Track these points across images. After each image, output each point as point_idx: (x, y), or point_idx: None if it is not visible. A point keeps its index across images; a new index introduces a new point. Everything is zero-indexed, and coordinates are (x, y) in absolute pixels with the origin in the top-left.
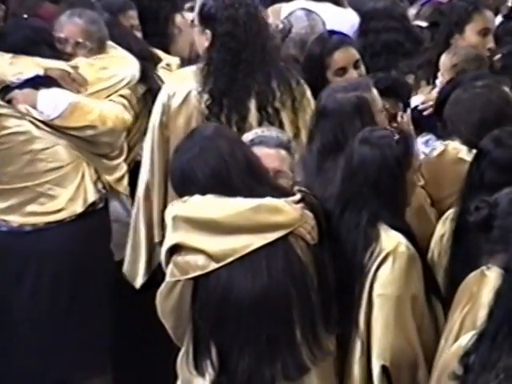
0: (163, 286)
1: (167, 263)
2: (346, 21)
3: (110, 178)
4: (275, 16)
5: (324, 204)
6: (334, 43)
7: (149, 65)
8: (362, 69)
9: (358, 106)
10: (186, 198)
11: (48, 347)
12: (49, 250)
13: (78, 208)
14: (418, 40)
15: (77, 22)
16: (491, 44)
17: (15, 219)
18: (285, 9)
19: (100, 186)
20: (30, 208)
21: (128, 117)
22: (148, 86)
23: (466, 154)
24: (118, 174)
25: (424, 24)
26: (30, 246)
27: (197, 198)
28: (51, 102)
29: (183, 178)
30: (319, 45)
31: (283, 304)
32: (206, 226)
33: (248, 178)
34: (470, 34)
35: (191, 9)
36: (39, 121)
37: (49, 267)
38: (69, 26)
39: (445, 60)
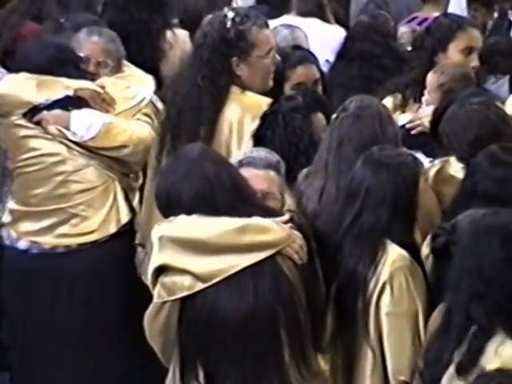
0: (151, 307)
1: (154, 284)
2: (333, 36)
3: (132, 200)
4: None
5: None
6: (298, 58)
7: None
8: (320, 89)
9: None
10: (171, 218)
11: (77, 368)
12: (82, 272)
13: (112, 228)
14: (400, 58)
15: (97, 41)
16: (475, 63)
17: (47, 241)
18: (272, 24)
19: (130, 205)
20: (62, 230)
21: (153, 135)
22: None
23: (460, 171)
24: (137, 196)
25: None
26: (63, 268)
27: (183, 217)
28: (85, 124)
29: (168, 200)
30: (283, 57)
31: (270, 325)
32: (192, 246)
33: (234, 200)
34: (453, 53)
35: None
36: (71, 141)
37: (81, 288)
38: (89, 44)
39: (432, 79)
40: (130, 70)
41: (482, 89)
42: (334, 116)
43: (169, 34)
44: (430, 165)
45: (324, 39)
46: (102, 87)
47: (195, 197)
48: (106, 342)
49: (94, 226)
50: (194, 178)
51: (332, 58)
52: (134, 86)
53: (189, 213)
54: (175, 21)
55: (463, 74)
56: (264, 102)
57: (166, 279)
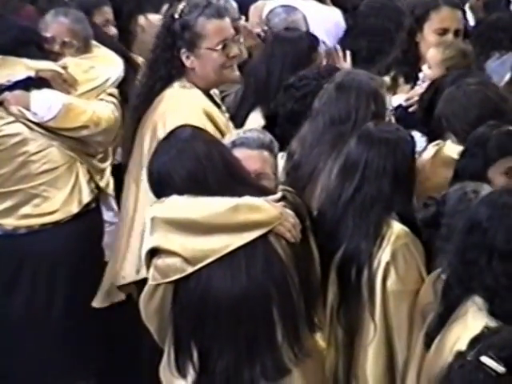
0: (146, 289)
1: (148, 266)
2: (330, 18)
3: (99, 181)
4: (257, 13)
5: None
6: None
7: (126, 66)
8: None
9: (375, 93)
10: (163, 198)
11: (41, 349)
12: (45, 252)
13: (74, 209)
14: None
15: (63, 21)
16: None
17: (9, 222)
18: (268, 6)
19: (93, 185)
20: (25, 210)
21: (118, 116)
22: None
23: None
24: (106, 177)
25: None
26: (25, 249)
27: (174, 198)
28: (45, 104)
29: (160, 180)
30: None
31: (263, 305)
32: (184, 227)
33: (226, 179)
34: (428, 33)
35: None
36: (32, 122)
37: (45, 269)
38: (55, 25)
39: (435, 54)
40: (99, 50)
41: (473, 69)
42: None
43: (141, 18)
44: (424, 144)
45: (321, 21)
46: (65, 68)
47: (187, 177)
48: (69, 325)
49: (56, 206)
50: (185, 159)
51: (328, 40)
52: (99, 66)
53: (181, 193)
54: (165, 7)
55: (466, 51)
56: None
57: (159, 261)
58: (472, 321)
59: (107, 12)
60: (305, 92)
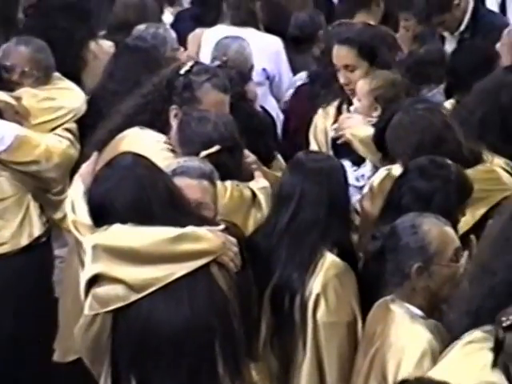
0: (82, 320)
1: (86, 295)
2: (270, 46)
3: (54, 215)
4: (195, 42)
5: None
6: None
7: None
8: None
9: None
10: (106, 226)
11: None
12: None
13: (23, 241)
14: None
15: (23, 50)
16: (341, 79)
17: None
18: (207, 34)
19: (45, 219)
20: None
21: (74, 152)
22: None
23: None
24: (62, 211)
25: None
26: None
27: (118, 226)
28: None
29: (102, 209)
30: None
31: (205, 337)
32: (127, 256)
33: (169, 209)
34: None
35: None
36: None
37: None
38: (15, 53)
39: (363, 85)
40: (63, 83)
41: (425, 97)
42: None
43: (93, 44)
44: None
45: (261, 48)
46: (18, 99)
47: (130, 205)
48: (11, 360)
49: (5, 239)
50: (128, 187)
51: (269, 67)
52: (59, 99)
53: (123, 221)
54: (103, 32)
55: (394, 80)
56: None
57: (99, 290)
58: None
59: None
60: None
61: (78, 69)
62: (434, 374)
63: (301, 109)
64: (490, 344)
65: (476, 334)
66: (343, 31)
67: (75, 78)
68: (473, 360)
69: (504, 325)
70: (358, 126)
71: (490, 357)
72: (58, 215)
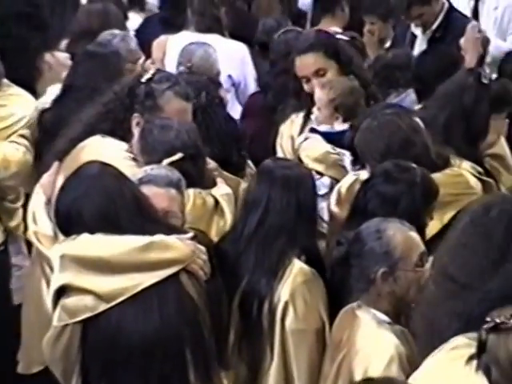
0: (50, 332)
1: (54, 306)
2: (235, 52)
3: (9, 223)
4: (160, 48)
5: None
6: None
7: None
8: None
9: None
10: (73, 236)
11: None
12: None
13: None
14: None
15: None
16: (308, 89)
17: None
18: (172, 40)
19: (1, 228)
20: None
21: (30, 159)
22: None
23: None
24: (17, 218)
25: None
26: None
27: (85, 236)
28: None
29: (69, 218)
30: None
31: (176, 345)
32: (95, 265)
33: (137, 218)
34: None
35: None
36: None
37: None
38: None
39: (321, 96)
40: (12, 89)
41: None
42: None
43: (48, 55)
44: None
45: (226, 55)
46: None
47: (97, 215)
48: None
49: None
50: (96, 196)
51: (234, 73)
52: (10, 106)
53: (90, 231)
54: (65, 41)
55: (352, 88)
56: None
57: (68, 300)
58: None
59: None
60: None
61: (32, 78)
62: (417, 377)
63: (253, 116)
64: (472, 350)
65: (461, 339)
66: (299, 42)
67: (29, 87)
68: (456, 366)
69: (486, 326)
70: (311, 147)
71: (472, 364)
72: (12, 223)
